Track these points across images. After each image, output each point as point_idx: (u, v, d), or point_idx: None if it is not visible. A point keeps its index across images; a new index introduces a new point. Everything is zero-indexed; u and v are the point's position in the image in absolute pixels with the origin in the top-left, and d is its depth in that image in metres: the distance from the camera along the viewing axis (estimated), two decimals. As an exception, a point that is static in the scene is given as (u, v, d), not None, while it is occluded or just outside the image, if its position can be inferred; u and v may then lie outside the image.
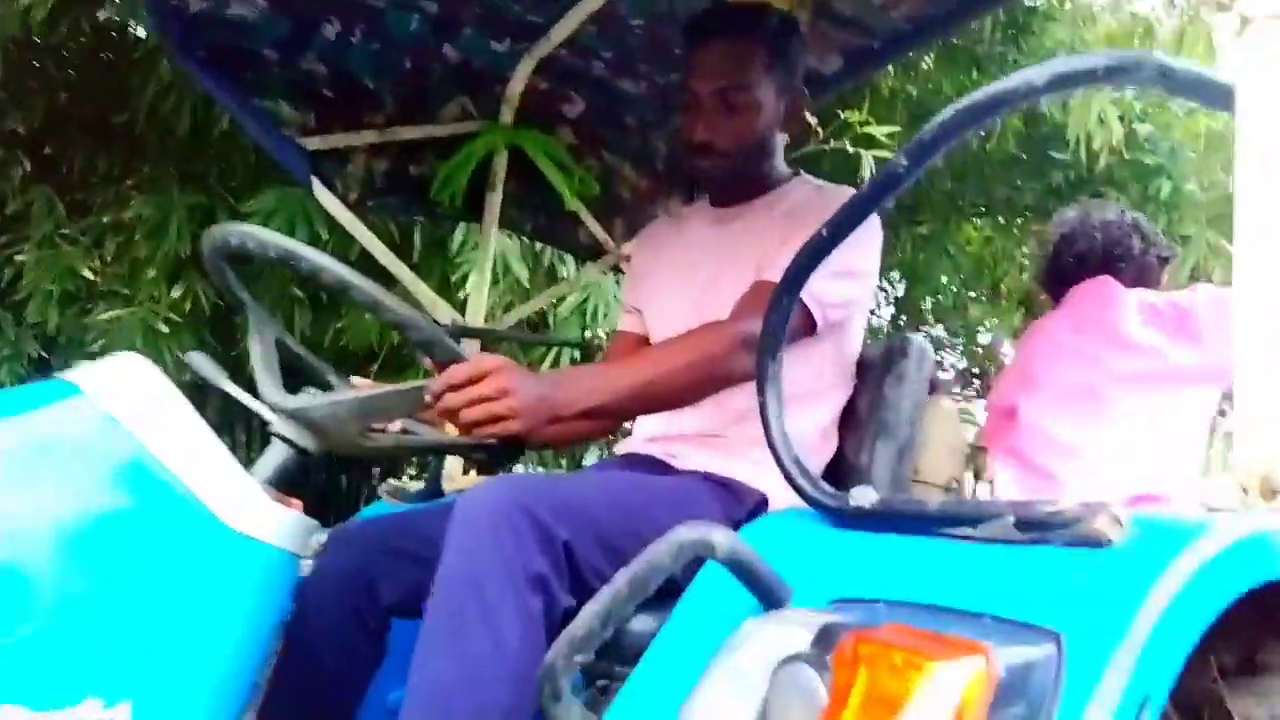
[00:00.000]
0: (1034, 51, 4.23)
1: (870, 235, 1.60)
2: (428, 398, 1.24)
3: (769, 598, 0.95)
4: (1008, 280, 5.57)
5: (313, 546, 1.34)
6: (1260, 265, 0.85)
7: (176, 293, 3.66)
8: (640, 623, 1.23)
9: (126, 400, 1.09)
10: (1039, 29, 4.31)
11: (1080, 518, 0.81)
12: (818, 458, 1.63)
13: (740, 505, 1.47)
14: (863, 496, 1.00)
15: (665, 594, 0.98)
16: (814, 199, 1.65)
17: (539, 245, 3.49)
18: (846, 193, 1.64)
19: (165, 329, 3.53)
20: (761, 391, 1.11)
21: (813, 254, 1.08)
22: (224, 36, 1.93)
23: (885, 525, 0.98)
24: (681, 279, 1.73)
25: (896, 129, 3.70)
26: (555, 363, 3.78)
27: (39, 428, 1.07)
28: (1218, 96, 0.90)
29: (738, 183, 1.70)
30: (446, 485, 2.08)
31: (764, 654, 0.83)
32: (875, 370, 1.67)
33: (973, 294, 5.91)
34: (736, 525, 1.15)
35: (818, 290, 1.45)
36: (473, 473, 2.18)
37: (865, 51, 2.05)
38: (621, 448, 1.75)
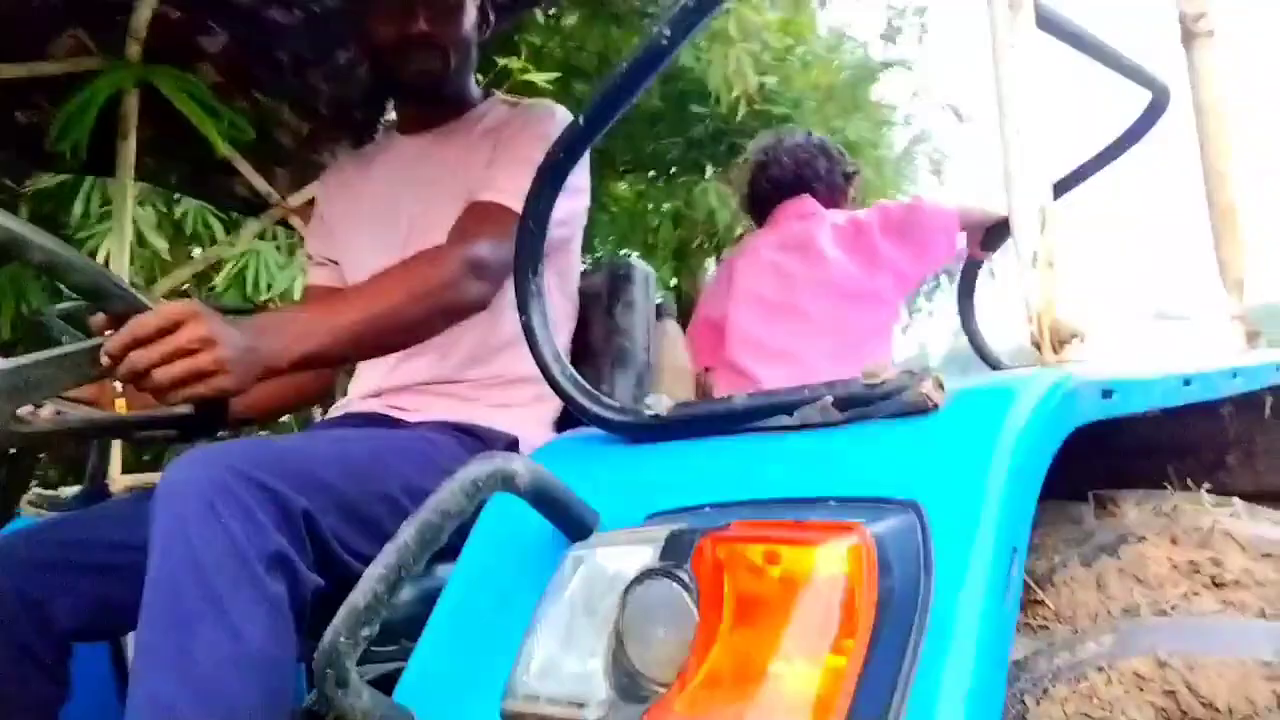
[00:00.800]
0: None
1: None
2: (104, 359, 1.00)
3: (577, 527, 0.84)
4: (660, 233, 5.79)
5: None
6: (1020, 120, 0.87)
7: None
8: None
9: None
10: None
11: (903, 386, 0.78)
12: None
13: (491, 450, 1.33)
14: (658, 405, 0.92)
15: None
16: (513, 115, 1.57)
17: (179, 214, 3.05)
18: (544, 105, 1.56)
19: None
20: (524, 311, 1.00)
21: (571, 146, 0.97)
22: None
23: (686, 432, 0.91)
24: (384, 218, 1.56)
25: (557, 75, 3.66)
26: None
27: None
28: None
29: (445, 95, 1.57)
30: (113, 486, 1.75)
31: (603, 580, 0.72)
32: (602, 298, 1.60)
33: (628, 250, 6.09)
34: None
35: None
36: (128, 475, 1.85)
37: None
38: (336, 409, 1.54)
